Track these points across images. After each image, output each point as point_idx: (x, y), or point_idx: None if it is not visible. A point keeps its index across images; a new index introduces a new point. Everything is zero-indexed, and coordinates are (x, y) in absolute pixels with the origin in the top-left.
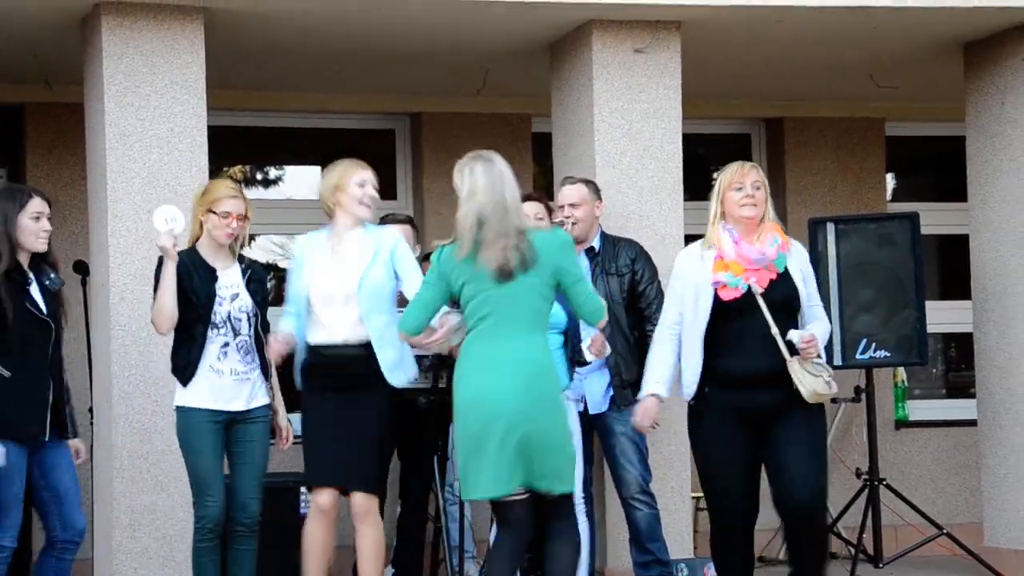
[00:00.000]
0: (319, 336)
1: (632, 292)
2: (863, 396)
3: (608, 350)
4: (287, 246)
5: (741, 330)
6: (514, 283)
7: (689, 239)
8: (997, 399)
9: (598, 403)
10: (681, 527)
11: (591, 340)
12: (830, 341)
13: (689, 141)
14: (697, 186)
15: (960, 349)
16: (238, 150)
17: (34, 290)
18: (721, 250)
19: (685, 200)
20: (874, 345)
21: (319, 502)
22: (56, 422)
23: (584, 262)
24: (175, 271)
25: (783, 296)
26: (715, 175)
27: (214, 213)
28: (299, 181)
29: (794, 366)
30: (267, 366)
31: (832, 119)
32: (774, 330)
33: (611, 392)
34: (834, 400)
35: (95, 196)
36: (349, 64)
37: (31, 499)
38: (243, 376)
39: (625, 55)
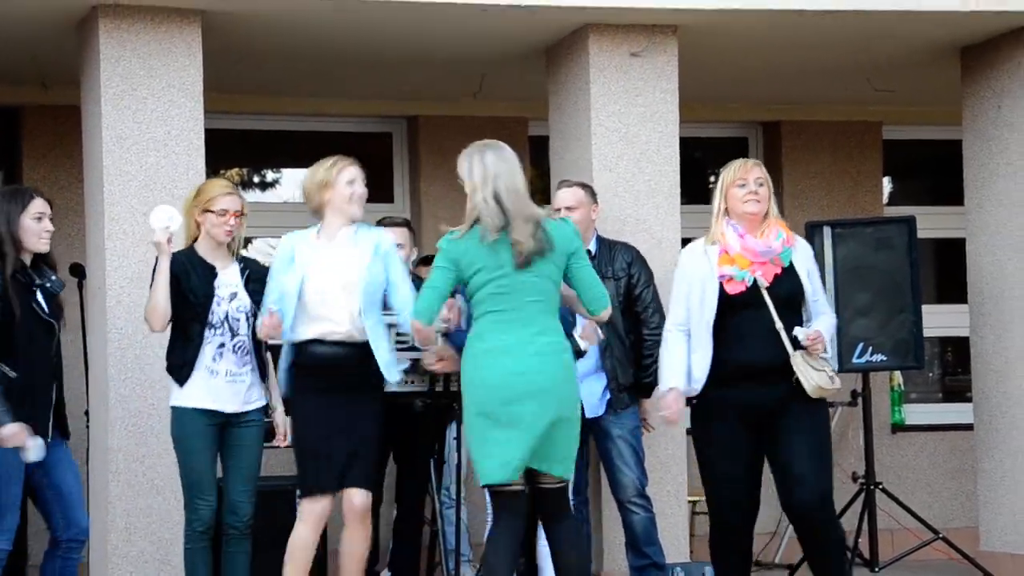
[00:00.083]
0: (315, 331)
1: (628, 296)
2: (860, 400)
3: (601, 336)
4: None
5: (746, 324)
6: (532, 269)
7: (686, 243)
8: (993, 403)
9: (594, 407)
10: (677, 531)
11: (582, 328)
12: None
13: (686, 145)
14: (694, 190)
15: (956, 353)
16: (235, 153)
17: (38, 291)
18: (726, 245)
19: (682, 204)
20: (871, 349)
21: (317, 509)
22: (58, 423)
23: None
24: (168, 267)
25: (788, 291)
26: (712, 178)
27: (211, 212)
28: (296, 184)
29: (797, 360)
30: (265, 366)
31: (829, 123)
32: (778, 324)
33: (608, 396)
34: (831, 404)
35: (92, 199)
36: (346, 67)
37: (34, 500)
38: (238, 377)
39: (622, 59)
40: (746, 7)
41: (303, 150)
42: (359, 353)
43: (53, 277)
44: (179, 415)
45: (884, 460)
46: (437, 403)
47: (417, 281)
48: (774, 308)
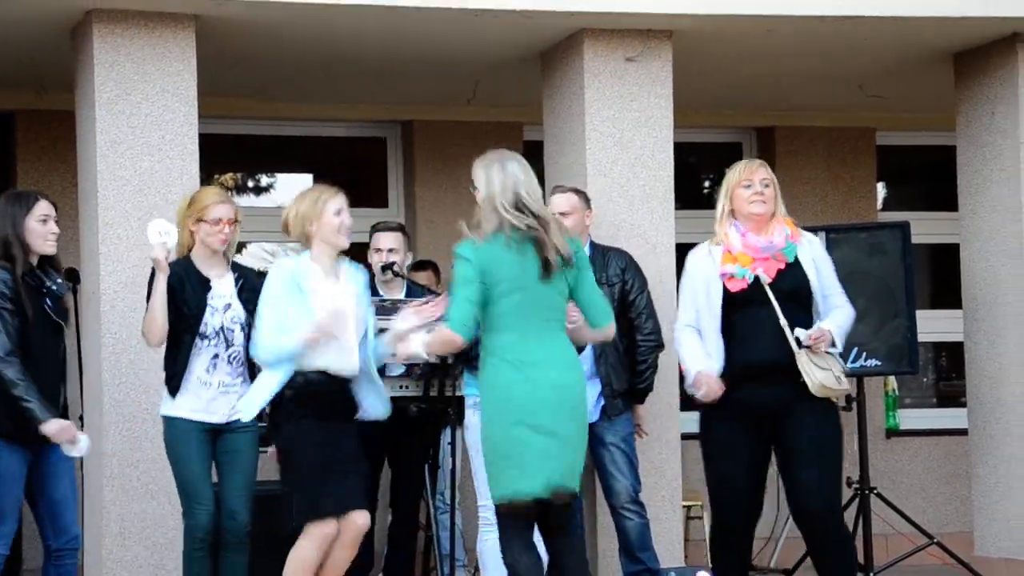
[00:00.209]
0: (322, 361)
1: (622, 302)
2: (854, 405)
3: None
4: (278, 254)
5: (751, 322)
6: (552, 282)
7: (680, 247)
8: (987, 408)
9: (589, 413)
10: (671, 536)
11: None
12: None
13: (680, 150)
14: (688, 195)
15: (951, 358)
16: (229, 158)
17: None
18: (728, 244)
19: (676, 209)
20: (865, 354)
21: (328, 531)
22: None
23: (589, 270)
24: (166, 284)
25: (792, 286)
26: (707, 183)
27: (205, 221)
28: (290, 189)
29: (802, 358)
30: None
31: (823, 128)
32: (782, 321)
33: (602, 402)
34: None
35: (86, 204)
36: (340, 72)
37: (30, 504)
38: (231, 388)
39: (616, 64)
40: (740, 13)
41: (298, 155)
42: (349, 382)
43: (58, 280)
44: (169, 423)
45: (878, 465)
46: (432, 408)
47: (412, 285)
48: (778, 304)
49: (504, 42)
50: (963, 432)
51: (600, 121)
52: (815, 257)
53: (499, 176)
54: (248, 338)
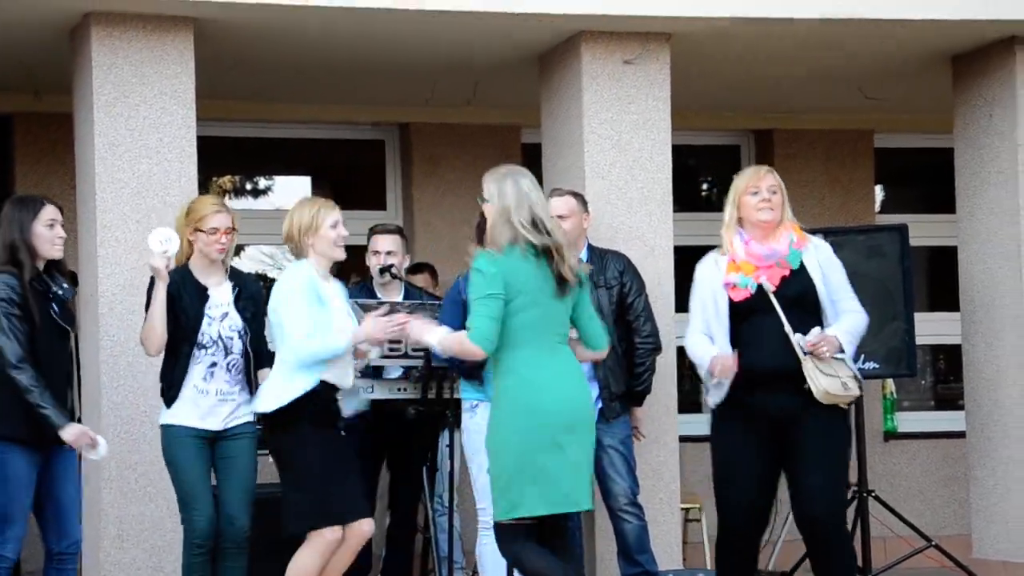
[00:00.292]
0: (331, 374)
1: (620, 304)
2: (852, 408)
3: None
4: (277, 257)
5: (756, 330)
6: (565, 298)
7: (679, 250)
8: (985, 411)
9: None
10: (670, 539)
11: None
12: None
13: (679, 152)
14: (687, 198)
15: (949, 361)
16: (227, 160)
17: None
18: (733, 253)
19: (675, 212)
20: (863, 357)
21: (334, 537)
22: None
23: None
24: (166, 294)
25: (797, 292)
26: (705, 186)
27: (202, 231)
28: (289, 191)
29: (807, 365)
30: (254, 384)
31: (821, 131)
32: (787, 328)
33: (600, 404)
34: None
35: (84, 206)
36: (338, 75)
37: (34, 508)
38: (228, 396)
39: (615, 66)
40: (739, 16)
41: (296, 157)
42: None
43: (65, 285)
44: (166, 431)
45: (876, 468)
46: (430, 410)
47: (410, 288)
48: (784, 311)
49: (502, 45)
50: (961, 435)
51: (598, 124)
52: (822, 262)
53: (513, 191)
54: (246, 346)
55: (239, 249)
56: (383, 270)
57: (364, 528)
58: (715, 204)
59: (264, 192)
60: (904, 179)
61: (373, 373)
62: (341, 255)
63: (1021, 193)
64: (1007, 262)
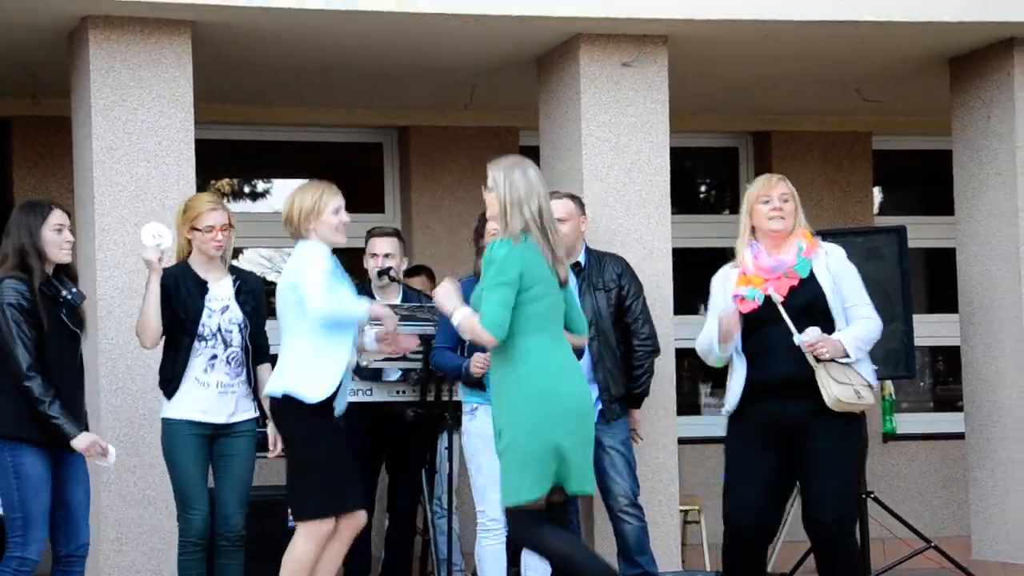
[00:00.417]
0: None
1: (619, 307)
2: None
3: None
4: (275, 260)
5: (767, 340)
6: (564, 289)
7: (677, 253)
8: (984, 412)
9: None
10: (669, 540)
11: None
12: None
13: (676, 155)
14: (684, 200)
15: (947, 362)
16: (226, 163)
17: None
18: (744, 266)
19: (672, 214)
20: None
21: (327, 529)
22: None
23: (571, 279)
24: (159, 285)
25: (806, 301)
26: (703, 188)
27: (197, 230)
28: (287, 194)
29: (820, 372)
30: (256, 379)
31: (819, 133)
32: (796, 337)
33: (600, 406)
34: None
35: (82, 210)
36: (337, 78)
37: None
38: (229, 388)
39: (613, 69)
40: (736, 18)
41: (294, 160)
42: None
43: (74, 289)
44: (168, 427)
45: (876, 469)
46: (429, 413)
47: (408, 291)
48: (792, 321)
49: (500, 47)
50: (960, 436)
51: (596, 126)
52: (832, 269)
53: (523, 182)
54: (245, 339)
55: (237, 252)
56: (381, 273)
57: (359, 519)
58: (713, 206)
59: (262, 195)
60: (902, 181)
61: (372, 376)
62: (342, 241)
63: (1019, 195)
64: (1005, 264)
